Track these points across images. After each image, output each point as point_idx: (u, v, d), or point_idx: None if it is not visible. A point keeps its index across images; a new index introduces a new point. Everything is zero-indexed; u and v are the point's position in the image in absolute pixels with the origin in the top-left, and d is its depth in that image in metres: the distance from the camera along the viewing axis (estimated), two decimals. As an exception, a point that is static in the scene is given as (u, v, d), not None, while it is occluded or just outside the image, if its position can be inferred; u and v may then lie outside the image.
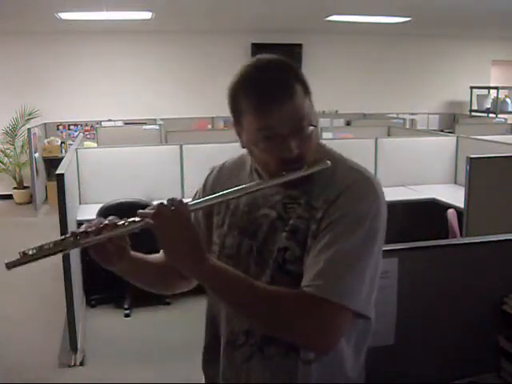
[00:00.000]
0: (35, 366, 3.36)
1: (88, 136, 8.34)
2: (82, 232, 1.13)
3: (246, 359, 1.22)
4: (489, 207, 3.51)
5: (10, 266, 1.12)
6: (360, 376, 1.27)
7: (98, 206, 4.02)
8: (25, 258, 1.14)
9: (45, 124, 8.40)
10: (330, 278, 1.08)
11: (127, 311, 4.12)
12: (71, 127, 8.63)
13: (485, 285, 1.62)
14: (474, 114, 9.44)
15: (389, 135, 6.65)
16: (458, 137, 5.45)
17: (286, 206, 1.19)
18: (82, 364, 3.36)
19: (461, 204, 3.72)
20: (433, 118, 9.48)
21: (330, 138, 6.26)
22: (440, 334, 1.58)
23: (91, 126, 8.39)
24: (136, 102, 8.54)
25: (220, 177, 1.34)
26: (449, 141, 5.41)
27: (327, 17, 7.35)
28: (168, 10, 6.74)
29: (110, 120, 7.90)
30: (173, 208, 1.10)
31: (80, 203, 4.59)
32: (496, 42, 9.79)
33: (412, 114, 9.11)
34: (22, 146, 8.14)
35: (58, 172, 3.35)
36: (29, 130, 7.23)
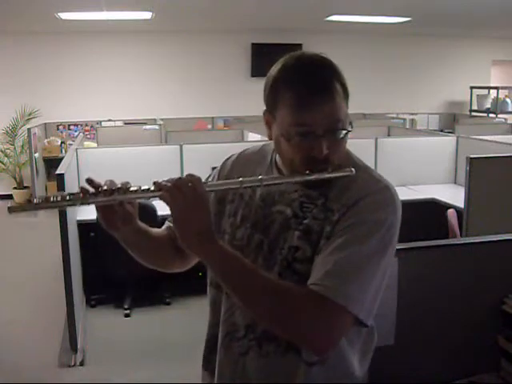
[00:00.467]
0: (35, 366, 3.36)
1: (88, 136, 8.34)
2: (93, 192, 1.12)
3: (243, 353, 1.21)
4: (489, 207, 3.51)
5: (12, 210, 1.12)
6: (363, 380, 1.27)
7: (98, 206, 4.02)
8: (29, 206, 1.12)
9: (45, 124, 8.40)
10: (337, 279, 1.07)
11: (127, 311, 4.12)
12: (71, 127, 8.64)
13: (485, 285, 1.62)
14: (473, 113, 9.44)
15: (389, 135, 6.65)
16: (458, 137, 5.45)
17: (302, 204, 1.18)
18: (82, 364, 3.36)
19: (461, 204, 3.72)
20: (433, 118, 9.47)
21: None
22: (440, 334, 1.58)
23: (91, 126, 8.39)
24: (136, 102, 8.54)
25: (238, 164, 1.33)
26: (449, 141, 5.41)
27: (327, 17, 7.36)
28: (168, 10, 6.74)
29: (110, 120, 7.90)
30: (190, 184, 1.09)
31: (80, 203, 4.59)
32: (496, 42, 9.79)
33: (412, 113, 9.11)
34: (22, 146, 8.14)
35: (57, 172, 3.35)
36: (29, 129, 7.22)
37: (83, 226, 4.10)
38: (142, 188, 1.13)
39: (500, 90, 8.97)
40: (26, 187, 8.13)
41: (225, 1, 6.25)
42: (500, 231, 1.71)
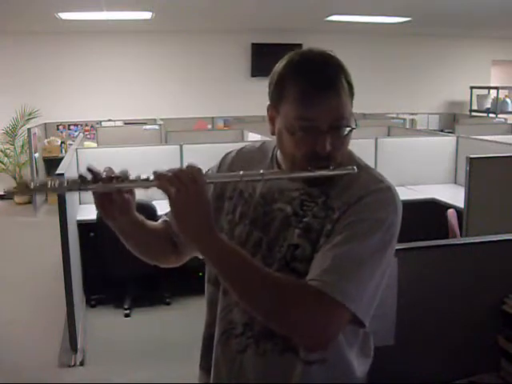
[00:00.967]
0: (35, 365, 3.36)
1: (88, 136, 8.35)
2: (91, 178, 1.12)
3: (240, 350, 1.21)
4: (489, 207, 3.51)
5: (8, 193, 1.09)
6: (363, 380, 1.27)
7: (98, 206, 4.02)
8: (26, 190, 1.10)
9: (45, 124, 8.41)
10: (335, 275, 1.06)
11: (127, 311, 4.12)
12: (71, 127, 8.64)
13: (485, 285, 1.62)
14: (474, 113, 9.45)
15: (389, 135, 6.65)
16: (458, 137, 5.45)
17: (303, 203, 1.17)
18: (82, 364, 3.36)
19: (461, 204, 3.72)
20: (433, 118, 9.47)
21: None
22: (440, 334, 1.58)
23: (91, 126, 8.39)
24: (136, 102, 8.55)
25: (238, 160, 1.32)
26: (449, 141, 5.41)
27: (327, 17, 7.36)
28: (168, 10, 6.74)
29: (110, 120, 7.90)
30: (190, 175, 1.09)
31: (80, 203, 4.59)
32: (496, 42, 9.79)
33: (412, 113, 9.11)
34: (22, 146, 8.15)
35: (57, 172, 3.35)
36: (29, 129, 7.23)
37: (83, 226, 4.10)
38: (143, 177, 1.12)
39: (500, 90, 8.97)
40: (26, 187, 8.12)
41: (225, 1, 6.25)
42: (500, 231, 1.71)
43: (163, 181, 1.10)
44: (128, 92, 8.57)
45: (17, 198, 8.12)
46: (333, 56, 1.15)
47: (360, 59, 9.34)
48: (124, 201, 1.19)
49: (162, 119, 7.65)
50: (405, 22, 7.61)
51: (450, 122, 9.35)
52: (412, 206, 4.59)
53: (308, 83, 1.09)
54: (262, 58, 8.73)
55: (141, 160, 4.73)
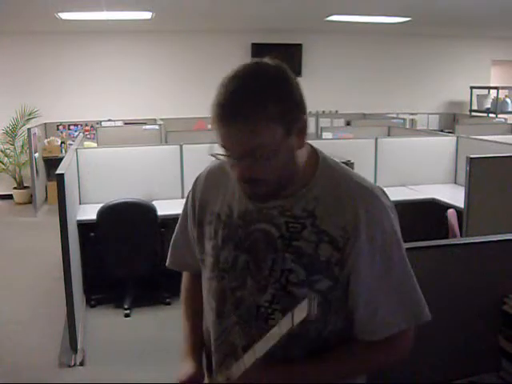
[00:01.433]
0: (35, 366, 3.36)
1: (88, 136, 8.35)
2: None
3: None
4: (489, 207, 3.51)
5: None
6: (363, 380, 1.29)
7: (98, 206, 4.03)
8: None
9: (45, 124, 8.40)
10: (408, 307, 1.16)
11: (127, 311, 4.12)
12: (71, 127, 8.64)
13: (485, 285, 1.62)
14: (474, 114, 9.44)
15: (389, 135, 6.65)
16: (458, 137, 5.45)
17: (288, 224, 1.15)
18: (82, 364, 3.36)
19: (461, 204, 3.72)
20: (433, 118, 9.47)
21: (330, 138, 6.27)
22: (440, 334, 1.58)
23: (91, 126, 8.39)
24: (136, 102, 8.54)
25: (206, 186, 1.29)
26: (449, 141, 5.41)
27: (327, 17, 7.36)
28: (168, 10, 6.74)
29: (109, 120, 7.90)
30: None
31: (80, 203, 4.60)
32: (496, 42, 9.79)
33: (412, 113, 9.11)
34: (22, 146, 8.15)
35: (57, 172, 3.35)
36: (29, 129, 7.23)
37: (83, 226, 4.10)
38: None
39: (500, 90, 8.97)
40: (26, 187, 8.13)
41: (225, 1, 6.25)
42: (500, 231, 1.71)
43: None
44: (128, 92, 8.57)
45: (17, 198, 8.13)
46: (265, 73, 1.06)
47: (360, 59, 9.35)
48: None
49: (161, 119, 7.65)
50: (405, 21, 7.61)
51: (450, 122, 9.35)
52: (412, 206, 4.61)
53: (215, 114, 1.05)
54: (262, 58, 8.72)
55: (141, 160, 4.76)
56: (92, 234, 4.06)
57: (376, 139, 5.26)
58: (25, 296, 4.49)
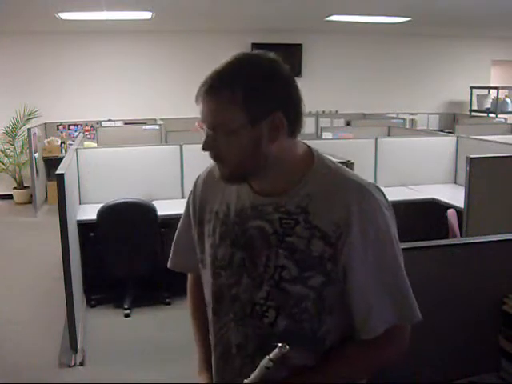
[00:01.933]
0: (35, 366, 3.36)
1: (88, 136, 8.34)
2: None
3: (237, 370, 1.23)
4: (489, 207, 3.51)
5: None
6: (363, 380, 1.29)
7: (98, 206, 4.03)
8: None
9: (45, 124, 8.40)
10: (399, 305, 1.15)
11: (127, 311, 4.12)
12: (71, 127, 8.64)
13: (485, 285, 1.62)
14: (474, 114, 9.44)
15: (389, 135, 6.65)
16: (458, 137, 5.45)
17: (281, 220, 1.15)
18: (82, 364, 3.36)
19: (461, 204, 3.72)
20: (433, 118, 9.47)
21: (330, 138, 6.27)
22: (440, 334, 1.58)
23: (91, 126, 8.39)
24: (136, 102, 8.54)
25: (207, 186, 1.31)
26: (449, 141, 5.41)
27: (327, 17, 7.36)
28: (168, 10, 6.74)
29: (109, 120, 7.90)
30: None
31: (80, 203, 4.59)
32: (496, 42, 9.79)
33: (412, 113, 9.11)
34: (22, 146, 8.15)
35: (57, 172, 3.35)
36: (29, 129, 7.23)
37: (83, 226, 4.10)
38: None
39: (500, 90, 8.97)
40: (26, 187, 8.13)
41: (225, 1, 6.25)
42: (500, 231, 1.71)
43: None
44: (128, 92, 8.57)
45: (17, 198, 8.13)
46: (243, 62, 1.12)
47: (360, 59, 9.35)
48: None
49: (161, 119, 7.65)
50: (405, 21, 7.60)
51: (450, 122, 9.35)
52: (412, 206, 4.62)
53: (201, 84, 1.13)
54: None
55: (141, 160, 4.76)
56: (92, 234, 4.06)
57: (376, 139, 5.26)
58: (25, 296, 4.49)
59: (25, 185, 8.17)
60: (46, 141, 8.23)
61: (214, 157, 1.15)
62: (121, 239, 4.08)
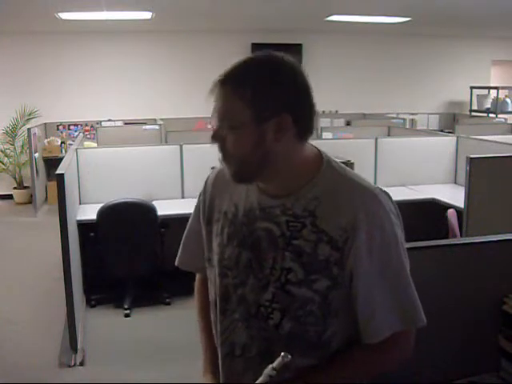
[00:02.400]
0: (35, 366, 3.36)
1: (88, 136, 8.35)
2: None
3: (241, 371, 1.23)
4: (489, 207, 3.51)
5: None
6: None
7: (98, 206, 4.03)
8: None
9: (45, 124, 8.40)
10: (403, 309, 1.15)
11: (127, 311, 4.12)
12: (71, 127, 8.64)
13: (485, 285, 1.62)
14: (474, 113, 9.44)
15: (389, 135, 6.65)
16: (458, 137, 5.45)
17: (288, 223, 1.16)
18: (82, 364, 3.36)
19: (461, 204, 3.72)
20: (433, 118, 9.48)
21: (330, 138, 6.27)
22: (440, 334, 1.58)
23: (91, 126, 8.39)
24: (136, 102, 8.54)
25: (217, 185, 1.32)
26: (449, 141, 5.41)
27: (327, 17, 7.36)
28: (168, 10, 6.74)
29: (109, 120, 7.90)
30: None
31: (80, 203, 4.60)
32: (496, 42, 9.79)
33: (412, 113, 9.11)
34: (22, 146, 8.15)
35: (57, 172, 3.35)
36: (29, 129, 7.23)
37: (83, 226, 4.10)
38: None
39: (500, 90, 8.97)
40: (26, 187, 8.13)
41: (225, 1, 6.25)
42: (500, 231, 1.71)
43: None
44: (128, 92, 8.57)
45: (17, 198, 8.13)
46: (256, 61, 1.14)
47: (360, 59, 9.35)
48: None
49: (162, 119, 7.65)
50: (405, 21, 7.60)
51: (450, 122, 9.35)
52: (412, 206, 4.61)
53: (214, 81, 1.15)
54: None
55: (141, 160, 4.76)
56: (92, 234, 4.06)
57: (376, 139, 5.26)
58: (25, 296, 4.49)
59: (25, 185, 8.17)
60: (45, 141, 8.23)
61: (221, 149, 1.16)
62: (121, 239, 4.08)
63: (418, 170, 5.23)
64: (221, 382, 1.30)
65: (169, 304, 4.26)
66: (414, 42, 9.51)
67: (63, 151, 8.01)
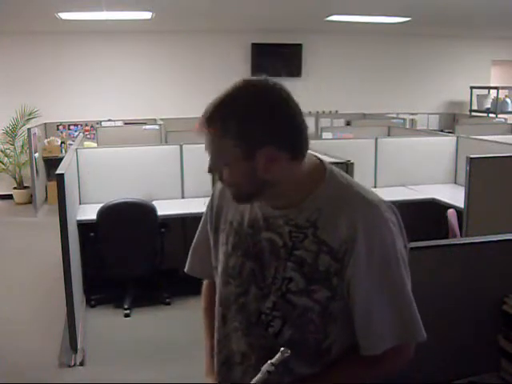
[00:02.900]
0: (35, 366, 3.36)
1: (88, 136, 8.34)
2: None
3: (240, 378, 1.24)
4: (489, 207, 3.51)
5: None
6: None
7: (98, 206, 4.03)
8: None
9: (45, 124, 8.40)
10: (402, 324, 1.14)
11: (127, 311, 4.12)
12: (71, 127, 8.63)
13: (485, 285, 1.62)
14: (474, 114, 9.44)
15: (389, 135, 6.65)
16: (458, 137, 5.45)
17: (291, 234, 1.17)
18: (82, 364, 3.36)
19: (461, 204, 3.72)
20: (433, 118, 9.47)
21: (330, 138, 6.27)
22: (440, 334, 1.58)
23: (91, 126, 8.39)
24: (136, 102, 8.54)
25: (224, 195, 1.33)
26: (449, 141, 5.41)
27: (327, 17, 7.35)
28: (168, 10, 6.74)
29: (109, 120, 7.90)
30: None
31: (80, 203, 4.60)
32: (496, 42, 9.79)
33: (412, 113, 9.11)
34: (22, 146, 8.15)
35: (57, 172, 3.35)
36: (29, 129, 7.23)
37: (83, 226, 4.10)
38: None
39: (500, 90, 8.96)
40: (26, 187, 8.13)
41: (225, 1, 6.25)
42: (500, 231, 1.71)
43: None
44: (128, 92, 8.57)
45: (17, 198, 8.13)
46: (241, 92, 1.12)
47: (360, 59, 9.35)
48: None
49: (162, 119, 7.65)
50: (405, 21, 7.60)
51: (450, 122, 9.34)
52: (412, 206, 4.61)
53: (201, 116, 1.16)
54: (262, 58, 8.73)
55: (141, 160, 4.76)
56: (92, 234, 4.06)
57: (376, 139, 5.26)
58: (25, 296, 4.49)
59: (25, 185, 8.17)
60: (45, 141, 8.23)
61: (219, 177, 1.18)
62: (121, 239, 4.08)
63: (417, 170, 5.23)
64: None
65: (169, 304, 4.26)
66: (414, 42, 9.51)
67: (63, 151, 8.01)
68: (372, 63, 9.43)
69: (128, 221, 4.04)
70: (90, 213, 4.14)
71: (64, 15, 6.61)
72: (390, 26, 8.12)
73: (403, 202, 4.49)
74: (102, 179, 4.62)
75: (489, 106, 9.17)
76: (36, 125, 7.82)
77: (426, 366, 1.58)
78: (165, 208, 4.22)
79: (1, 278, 4.89)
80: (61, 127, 8.60)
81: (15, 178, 8.22)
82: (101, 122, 7.67)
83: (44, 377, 3.20)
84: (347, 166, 3.02)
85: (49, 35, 8.14)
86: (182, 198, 4.76)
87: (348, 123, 8.29)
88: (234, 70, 8.84)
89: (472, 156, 3.52)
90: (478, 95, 9.37)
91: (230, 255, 1.25)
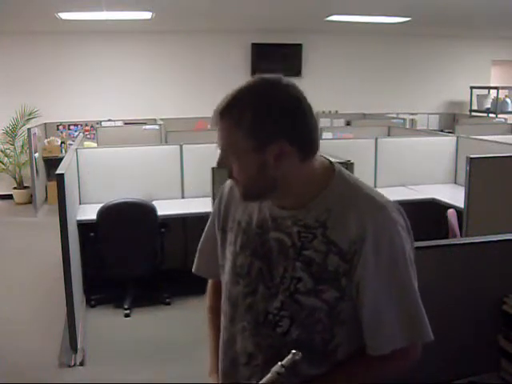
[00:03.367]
0: (35, 366, 3.36)
1: (88, 136, 8.34)
2: None
3: (247, 377, 1.24)
4: (489, 207, 3.51)
5: None
6: None
7: (98, 206, 4.03)
8: None
9: (45, 124, 8.40)
10: (409, 325, 1.15)
11: (127, 311, 4.12)
12: (71, 127, 8.63)
13: (485, 285, 1.62)
14: (474, 113, 9.44)
15: (389, 135, 6.65)
16: (458, 137, 5.45)
17: (300, 234, 1.18)
18: (82, 364, 3.36)
19: (461, 204, 3.72)
20: (433, 118, 9.47)
21: (330, 138, 6.27)
22: (440, 334, 1.58)
23: (91, 126, 8.39)
24: (136, 102, 8.54)
25: (232, 195, 1.33)
26: (449, 141, 5.41)
27: (327, 17, 7.35)
28: (168, 10, 6.74)
29: (109, 120, 7.90)
30: None
31: (80, 203, 4.60)
32: (496, 41, 9.79)
33: (412, 113, 9.11)
34: (22, 146, 8.15)
35: (57, 172, 3.35)
36: (29, 129, 7.23)
37: (83, 226, 4.10)
38: None
39: (500, 90, 8.96)
40: (26, 187, 8.13)
41: (225, 1, 6.24)
42: (500, 231, 1.71)
43: None
44: (128, 92, 8.57)
45: (17, 198, 8.13)
46: (255, 88, 1.14)
47: (360, 59, 9.35)
48: None
49: (162, 119, 7.65)
50: (405, 21, 7.60)
51: (450, 122, 9.34)
52: (412, 206, 4.59)
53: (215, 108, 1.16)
54: (262, 57, 8.73)
55: (141, 160, 4.76)
56: (92, 234, 4.06)
57: (376, 139, 5.26)
58: (25, 296, 4.49)
59: (25, 185, 8.17)
60: (46, 141, 8.23)
61: (229, 174, 1.18)
62: (121, 239, 4.08)
63: (417, 170, 5.23)
64: None
65: (169, 304, 4.26)
66: (414, 42, 9.51)
67: (63, 151, 8.01)
68: (372, 63, 9.43)
69: (128, 221, 4.04)
70: (89, 213, 4.14)
71: (64, 15, 6.61)
72: (389, 26, 8.12)
73: (403, 201, 4.47)
74: (101, 179, 4.62)
75: (489, 106, 9.17)
76: (36, 125, 7.82)
77: (427, 366, 1.58)
78: (165, 208, 4.22)
79: (1, 278, 4.89)
80: (61, 127, 8.60)
81: (15, 178, 8.22)
82: (101, 122, 7.67)
83: (44, 377, 3.20)
84: (347, 166, 3.02)
85: (49, 35, 8.14)
86: (182, 198, 4.76)
87: (348, 123, 8.29)
88: (234, 70, 8.85)
89: (472, 156, 3.52)
90: (478, 95, 9.37)
91: (238, 254, 1.26)
